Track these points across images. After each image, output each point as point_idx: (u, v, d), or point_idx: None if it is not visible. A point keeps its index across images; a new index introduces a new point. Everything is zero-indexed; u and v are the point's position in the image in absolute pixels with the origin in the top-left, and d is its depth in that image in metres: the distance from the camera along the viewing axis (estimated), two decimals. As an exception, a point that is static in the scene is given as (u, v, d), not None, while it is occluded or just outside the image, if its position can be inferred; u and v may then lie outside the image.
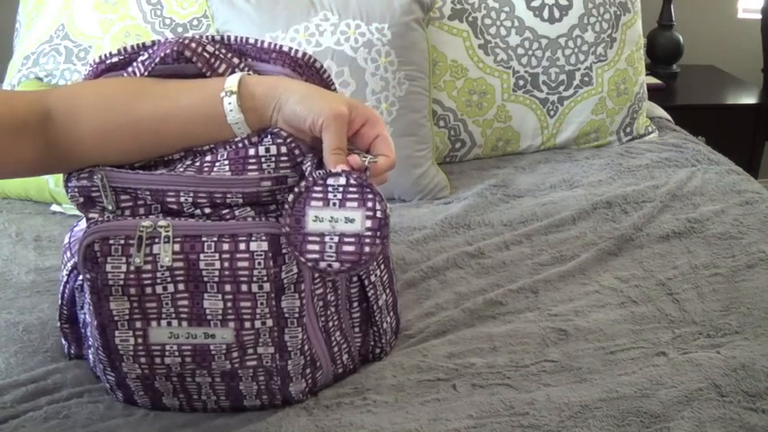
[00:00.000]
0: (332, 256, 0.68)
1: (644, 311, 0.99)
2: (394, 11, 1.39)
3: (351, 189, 0.69)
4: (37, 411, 0.80)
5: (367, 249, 0.69)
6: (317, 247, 0.69)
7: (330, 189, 0.69)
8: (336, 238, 0.69)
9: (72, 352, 0.89)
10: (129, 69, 0.78)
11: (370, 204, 0.69)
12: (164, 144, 0.75)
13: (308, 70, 0.79)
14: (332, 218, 0.69)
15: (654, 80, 2.11)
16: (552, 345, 0.92)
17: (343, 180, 0.69)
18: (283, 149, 0.73)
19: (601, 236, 1.17)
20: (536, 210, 1.27)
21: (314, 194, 0.69)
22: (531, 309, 1.00)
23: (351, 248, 0.69)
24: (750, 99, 2.09)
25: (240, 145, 0.74)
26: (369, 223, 0.69)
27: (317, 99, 0.72)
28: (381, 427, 0.77)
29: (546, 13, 1.52)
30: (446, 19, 1.49)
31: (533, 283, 1.05)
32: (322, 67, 0.80)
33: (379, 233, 0.69)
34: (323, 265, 0.69)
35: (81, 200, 0.76)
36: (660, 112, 1.79)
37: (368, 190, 0.69)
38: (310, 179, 0.69)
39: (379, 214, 0.69)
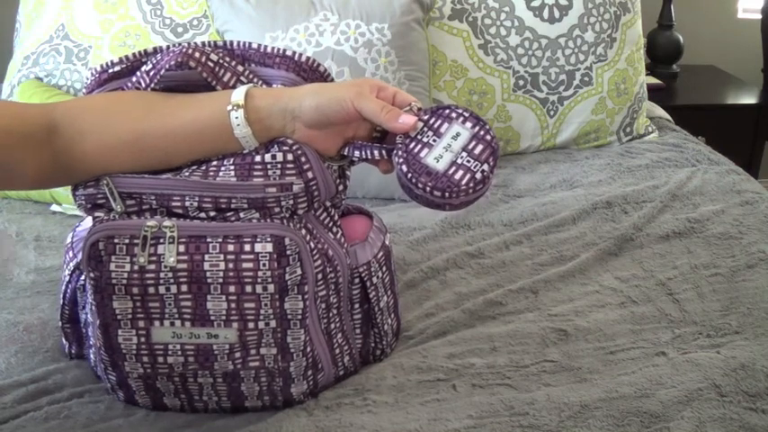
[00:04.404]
0: (476, 164, 0.73)
1: (644, 311, 0.99)
2: (394, 11, 1.39)
3: (431, 121, 0.76)
4: (37, 411, 0.80)
5: (489, 137, 0.75)
6: (461, 171, 0.73)
7: (419, 136, 0.75)
8: (464, 153, 0.74)
9: (73, 352, 0.90)
10: (134, 79, 0.79)
11: (454, 115, 0.76)
12: (170, 158, 0.75)
13: (311, 74, 0.80)
14: (445, 147, 0.74)
15: (654, 80, 2.11)
16: (552, 345, 0.92)
17: (420, 124, 0.75)
18: (289, 157, 0.73)
19: (601, 236, 1.17)
20: (536, 210, 1.27)
21: (415, 149, 0.74)
22: (531, 309, 1.00)
23: (480, 147, 0.74)
24: (750, 99, 2.09)
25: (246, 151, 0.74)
26: (469, 124, 0.75)
27: (331, 89, 0.74)
28: (381, 427, 0.78)
29: (546, 13, 1.52)
30: (446, 19, 1.49)
31: (533, 284, 1.05)
32: (326, 71, 0.81)
33: (482, 122, 0.76)
34: (479, 176, 0.73)
35: (89, 206, 0.77)
36: (660, 112, 1.79)
37: (441, 110, 0.76)
38: (400, 145, 0.74)
39: (466, 114, 0.76)
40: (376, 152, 0.75)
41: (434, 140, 0.74)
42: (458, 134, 0.74)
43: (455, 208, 0.74)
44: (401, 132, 0.74)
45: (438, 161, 0.73)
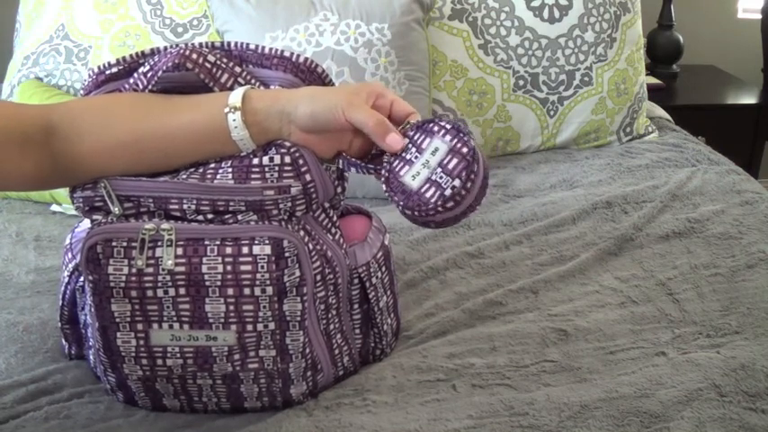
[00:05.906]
0: (447, 181, 0.70)
1: (644, 311, 0.99)
2: (394, 11, 1.39)
3: (416, 137, 0.73)
4: (37, 411, 0.80)
5: (465, 150, 0.71)
6: (432, 189, 0.70)
7: (404, 153, 0.73)
8: (440, 169, 0.71)
9: (72, 352, 0.90)
10: (131, 81, 0.79)
11: (436, 129, 0.73)
12: (168, 160, 0.75)
13: (309, 75, 0.79)
14: (423, 164, 0.72)
15: (654, 80, 2.11)
16: (552, 345, 0.92)
17: (405, 141, 0.73)
18: (287, 159, 0.73)
19: (601, 236, 1.17)
20: (536, 210, 1.27)
21: (397, 167, 0.73)
22: (531, 309, 1.00)
23: (454, 161, 0.71)
24: (750, 99, 2.09)
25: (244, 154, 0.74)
26: (448, 137, 0.72)
27: (326, 96, 0.73)
28: (381, 427, 0.77)
29: (546, 13, 1.52)
30: (446, 19, 1.49)
31: (533, 283, 1.05)
32: (324, 71, 0.80)
33: (461, 133, 0.72)
34: (448, 192, 0.70)
35: (86, 209, 0.77)
36: (660, 112, 1.79)
37: (426, 125, 0.73)
38: (385, 163, 0.73)
39: (448, 126, 0.72)
40: (364, 171, 0.75)
41: (416, 157, 0.72)
42: (436, 149, 0.72)
43: (440, 225, 0.72)
44: (388, 151, 0.73)
45: (414, 179, 0.71)
